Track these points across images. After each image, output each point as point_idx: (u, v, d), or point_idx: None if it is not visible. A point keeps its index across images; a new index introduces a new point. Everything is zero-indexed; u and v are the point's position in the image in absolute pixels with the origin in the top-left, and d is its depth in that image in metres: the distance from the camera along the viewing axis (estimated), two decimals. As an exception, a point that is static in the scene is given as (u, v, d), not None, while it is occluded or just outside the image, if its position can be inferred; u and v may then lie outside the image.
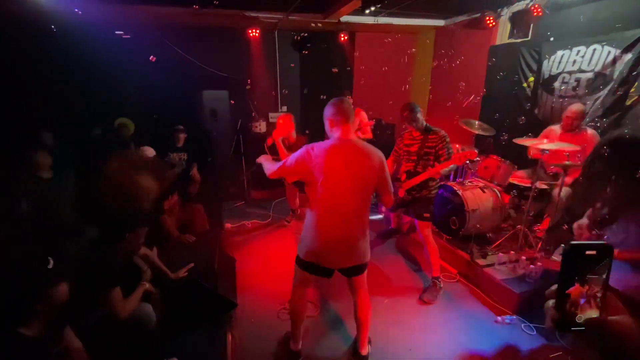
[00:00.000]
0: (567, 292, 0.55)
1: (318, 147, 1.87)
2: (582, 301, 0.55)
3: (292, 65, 5.68)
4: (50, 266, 1.25)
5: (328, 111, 1.92)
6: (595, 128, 3.20)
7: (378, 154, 1.91)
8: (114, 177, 2.03)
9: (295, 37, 5.27)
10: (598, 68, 3.36)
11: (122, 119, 4.26)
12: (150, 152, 4.01)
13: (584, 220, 1.95)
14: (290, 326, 2.24)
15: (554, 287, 0.57)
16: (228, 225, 4.20)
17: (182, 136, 4.30)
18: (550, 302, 0.57)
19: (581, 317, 0.55)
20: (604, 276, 0.55)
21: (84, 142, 3.81)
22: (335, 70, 5.48)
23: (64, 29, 3.86)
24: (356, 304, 2.14)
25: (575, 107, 3.16)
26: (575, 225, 2.00)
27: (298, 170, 1.90)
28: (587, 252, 0.54)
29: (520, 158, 3.54)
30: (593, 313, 0.55)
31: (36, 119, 3.76)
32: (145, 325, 1.90)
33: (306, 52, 5.41)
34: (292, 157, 1.91)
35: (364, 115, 4.41)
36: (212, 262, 2.90)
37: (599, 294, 0.55)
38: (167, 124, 4.29)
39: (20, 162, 2.71)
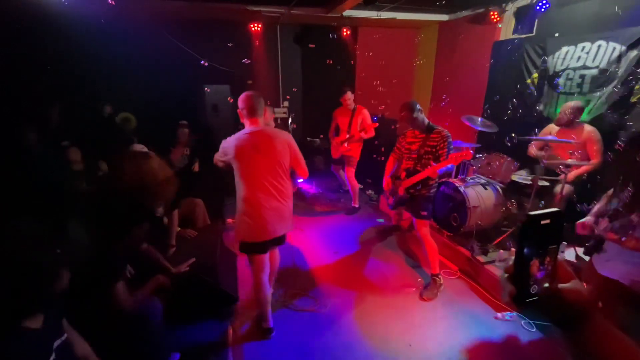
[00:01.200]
0: (525, 265, 0.54)
1: (231, 138, 2.21)
2: (540, 274, 0.54)
3: (312, 45, 5.59)
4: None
5: (239, 104, 2.24)
6: (598, 125, 3.17)
7: (284, 136, 2.29)
8: (134, 172, 2.06)
9: (298, 31, 5.24)
10: (603, 64, 3.33)
11: (125, 113, 4.26)
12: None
13: (589, 219, 1.94)
14: (261, 308, 2.46)
15: (510, 260, 0.56)
16: (229, 221, 4.22)
17: (186, 131, 4.30)
18: (505, 276, 0.57)
19: (535, 287, 0.54)
20: (558, 245, 0.55)
21: (86, 138, 3.81)
22: (330, 61, 5.42)
23: (67, 23, 3.84)
24: (270, 260, 2.48)
25: (573, 102, 3.19)
26: (578, 223, 1.99)
27: (222, 159, 2.26)
28: (543, 222, 0.53)
29: (523, 155, 3.53)
30: (546, 282, 0.55)
31: (40, 115, 3.77)
32: (152, 318, 1.91)
33: (312, 46, 5.36)
34: (220, 148, 2.27)
35: (366, 114, 4.37)
36: (213, 256, 2.91)
37: (550, 262, 0.55)
38: (168, 118, 4.28)
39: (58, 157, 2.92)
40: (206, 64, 4.46)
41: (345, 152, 4.44)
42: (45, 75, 4.02)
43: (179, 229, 3.11)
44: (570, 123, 3.16)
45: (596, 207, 1.98)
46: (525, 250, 0.54)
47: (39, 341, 1.18)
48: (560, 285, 0.55)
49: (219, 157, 2.29)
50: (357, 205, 4.70)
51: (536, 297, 0.55)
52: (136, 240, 2.05)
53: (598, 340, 0.55)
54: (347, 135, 4.36)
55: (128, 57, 4.31)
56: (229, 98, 4.91)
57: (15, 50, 3.84)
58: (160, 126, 4.30)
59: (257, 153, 2.17)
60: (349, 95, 4.31)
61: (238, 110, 2.26)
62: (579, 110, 3.15)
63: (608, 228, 1.75)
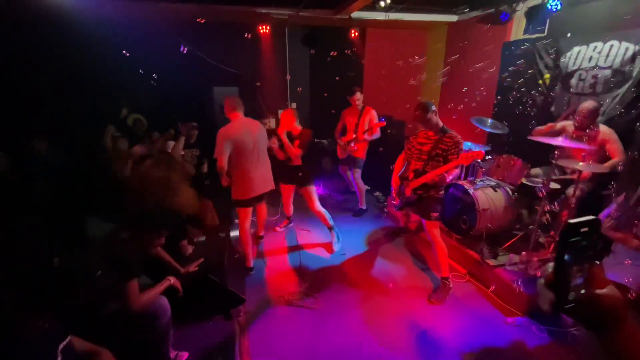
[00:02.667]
0: (565, 272, 0.54)
1: (224, 129, 2.94)
2: (579, 281, 0.54)
3: (312, 51, 5.60)
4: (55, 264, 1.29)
5: (225, 105, 3.06)
6: (614, 126, 3.10)
7: (259, 124, 3.19)
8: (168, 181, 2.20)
9: (305, 33, 5.25)
10: (616, 65, 3.26)
11: (135, 115, 4.33)
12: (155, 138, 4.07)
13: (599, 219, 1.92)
14: (244, 250, 3.22)
15: (549, 267, 0.56)
16: (237, 222, 4.24)
17: (195, 133, 4.35)
18: (543, 283, 0.57)
19: (573, 294, 0.54)
20: (597, 252, 0.55)
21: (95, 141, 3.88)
22: (334, 53, 5.37)
23: (78, 25, 3.91)
24: (257, 212, 3.58)
25: (587, 104, 3.03)
26: None
27: (222, 147, 2.88)
28: (582, 230, 0.53)
29: (534, 157, 3.47)
30: (583, 289, 0.55)
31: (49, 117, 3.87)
32: (160, 318, 1.94)
33: (313, 52, 5.38)
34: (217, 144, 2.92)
35: (373, 114, 4.35)
36: (221, 257, 2.93)
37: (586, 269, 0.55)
38: (179, 120, 4.34)
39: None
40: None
41: (352, 152, 4.44)
42: (56, 77, 4.09)
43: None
44: (588, 126, 3.06)
45: (607, 210, 1.95)
46: (565, 257, 0.53)
47: (43, 342, 1.19)
48: (597, 291, 0.55)
49: (220, 150, 2.88)
50: (364, 207, 4.68)
51: (573, 304, 0.54)
52: (152, 244, 2.08)
53: (631, 344, 0.55)
54: (354, 135, 4.35)
55: (139, 59, 4.37)
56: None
57: (30, 52, 3.94)
58: (170, 127, 4.36)
59: (244, 136, 2.98)
60: (359, 96, 4.32)
61: (224, 109, 3.06)
62: (596, 112, 3.02)
63: (613, 225, 1.73)
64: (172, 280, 2.11)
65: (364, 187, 4.63)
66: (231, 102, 3.06)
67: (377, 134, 4.31)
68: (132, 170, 3.05)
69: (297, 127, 3.50)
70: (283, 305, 2.79)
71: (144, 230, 1.99)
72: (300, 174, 3.54)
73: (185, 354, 2.18)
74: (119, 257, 1.76)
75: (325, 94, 5.56)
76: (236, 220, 4.23)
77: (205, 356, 2.24)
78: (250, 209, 3.25)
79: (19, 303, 1.17)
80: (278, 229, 4.17)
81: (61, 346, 1.25)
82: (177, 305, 2.16)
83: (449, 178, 2.72)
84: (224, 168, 2.91)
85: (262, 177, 3.19)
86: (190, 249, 2.81)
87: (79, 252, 1.86)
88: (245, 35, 5.03)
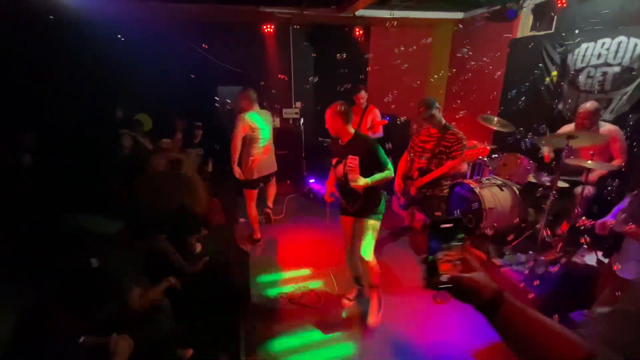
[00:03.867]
0: (432, 258, 0.68)
1: (242, 117, 3.35)
2: (445, 265, 0.67)
3: (314, 55, 5.63)
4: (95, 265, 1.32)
5: (242, 98, 3.42)
6: (621, 125, 3.05)
7: (268, 113, 3.63)
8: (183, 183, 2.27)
9: (309, 31, 5.25)
10: (625, 62, 3.20)
11: (140, 114, 4.36)
12: (167, 143, 4.11)
13: (609, 219, 1.88)
14: (252, 225, 3.71)
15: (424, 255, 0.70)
16: (242, 220, 4.25)
17: (199, 132, 4.38)
18: (422, 265, 0.70)
19: (445, 276, 0.66)
20: (462, 243, 0.70)
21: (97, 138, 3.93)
22: (341, 56, 5.39)
23: (82, 25, 3.95)
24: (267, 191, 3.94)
25: (588, 104, 2.99)
26: (598, 223, 1.93)
27: (241, 133, 3.36)
28: (443, 226, 0.69)
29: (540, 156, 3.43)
30: (453, 272, 0.67)
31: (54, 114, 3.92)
32: (162, 317, 1.95)
33: (314, 55, 5.41)
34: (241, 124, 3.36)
35: (376, 113, 4.34)
36: (227, 255, 2.95)
37: (458, 257, 0.68)
38: (175, 115, 4.38)
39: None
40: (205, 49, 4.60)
41: None
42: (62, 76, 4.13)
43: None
44: (590, 127, 3.02)
45: (617, 208, 1.92)
46: (431, 245, 0.69)
47: (64, 341, 1.21)
48: (459, 274, 0.66)
49: (243, 130, 3.36)
50: None
51: (449, 285, 0.66)
52: (158, 244, 2.10)
53: (513, 321, 0.66)
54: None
55: (144, 58, 4.39)
56: (231, 102, 5.00)
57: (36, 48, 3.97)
58: (174, 126, 4.39)
59: (261, 124, 3.43)
60: (363, 94, 4.34)
61: (241, 103, 3.40)
62: (596, 113, 2.98)
63: (626, 220, 1.71)
64: (172, 280, 2.13)
65: None
66: (249, 94, 3.41)
67: (379, 133, 4.30)
68: (166, 166, 3.04)
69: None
70: (287, 303, 2.80)
71: (151, 229, 2.01)
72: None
73: (190, 351, 2.20)
74: (120, 262, 1.78)
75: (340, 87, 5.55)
76: (241, 219, 4.28)
77: (211, 353, 2.25)
78: (255, 191, 3.63)
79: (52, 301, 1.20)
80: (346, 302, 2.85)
81: (80, 341, 1.27)
82: (182, 302, 2.19)
83: (464, 167, 2.67)
84: (237, 148, 3.32)
85: (267, 161, 3.63)
86: (198, 247, 2.83)
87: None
88: (250, 35, 5.05)
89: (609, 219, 1.90)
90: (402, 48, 4.78)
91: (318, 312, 2.71)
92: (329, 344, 2.40)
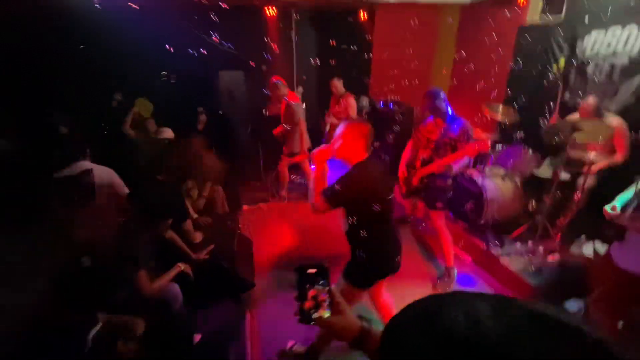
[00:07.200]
0: (302, 297, 0.80)
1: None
2: (309, 301, 0.79)
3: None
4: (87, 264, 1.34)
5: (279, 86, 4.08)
6: (626, 117, 3.03)
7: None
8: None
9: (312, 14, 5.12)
10: (634, 52, 3.15)
11: (141, 99, 4.29)
12: (169, 133, 4.07)
13: (617, 204, 1.90)
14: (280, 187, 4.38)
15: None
16: (245, 207, 4.29)
17: (203, 118, 4.35)
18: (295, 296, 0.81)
19: (316, 315, 0.79)
20: (327, 287, 0.80)
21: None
22: (344, 46, 5.34)
23: (77, 8, 3.83)
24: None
25: (589, 101, 3.01)
26: (606, 208, 1.94)
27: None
28: (309, 271, 0.80)
29: (545, 147, 3.41)
30: (325, 313, 0.79)
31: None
32: (172, 303, 2.01)
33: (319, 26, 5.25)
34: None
35: (351, 102, 4.47)
36: (231, 243, 2.99)
37: (327, 300, 0.79)
38: (185, 105, 4.32)
39: None
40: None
41: (327, 135, 4.66)
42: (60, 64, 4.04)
43: (196, 215, 3.19)
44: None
45: (623, 196, 1.93)
46: (298, 286, 0.81)
47: (74, 334, 1.25)
48: (316, 316, 0.78)
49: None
50: None
51: (313, 320, 0.78)
52: (163, 230, 2.13)
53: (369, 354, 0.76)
54: (329, 119, 4.54)
55: (143, 42, 4.30)
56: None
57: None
58: (177, 111, 4.35)
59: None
60: (336, 82, 4.48)
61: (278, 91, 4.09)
62: (596, 109, 2.98)
63: (635, 217, 1.72)
64: (182, 266, 2.18)
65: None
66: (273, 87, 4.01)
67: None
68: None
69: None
70: (290, 289, 2.85)
71: (153, 216, 2.02)
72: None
73: (198, 336, 2.27)
74: (127, 248, 1.81)
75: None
76: (244, 206, 4.31)
77: (217, 338, 2.33)
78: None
79: (51, 299, 1.23)
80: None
81: (93, 333, 1.31)
82: (189, 289, 2.24)
83: (456, 167, 2.73)
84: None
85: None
86: (199, 237, 2.86)
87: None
88: (251, 19, 4.92)
89: (616, 204, 1.91)
90: (408, 33, 4.69)
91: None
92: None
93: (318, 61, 5.78)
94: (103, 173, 2.66)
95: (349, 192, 1.71)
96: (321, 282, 0.80)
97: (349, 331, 0.77)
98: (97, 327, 1.38)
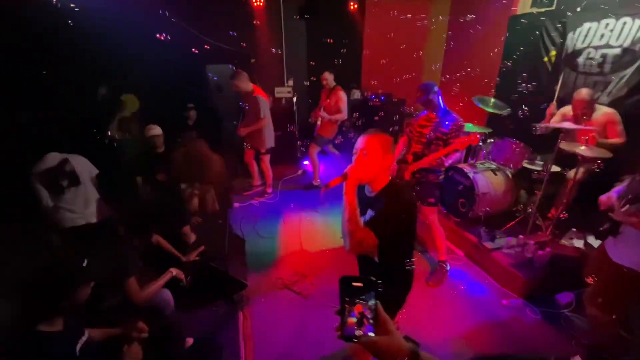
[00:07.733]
0: (344, 311, 0.73)
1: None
2: (352, 317, 0.72)
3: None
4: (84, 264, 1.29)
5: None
6: (618, 108, 3.03)
7: None
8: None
9: (302, 6, 4.98)
10: (627, 43, 3.13)
11: (127, 95, 4.15)
12: (156, 130, 3.95)
13: (612, 195, 1.89)
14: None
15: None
16: (236, 205, 4.23)
17: (193, 114, 4.24)
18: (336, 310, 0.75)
19: (359, 332, 0.71)
20: (373, 303, 0.73)
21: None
22: (330, 41, 5.21)
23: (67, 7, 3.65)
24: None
25: (583, 92, 2.96)
26: (602, 197, 1.93)
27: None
28: (354, 283, 0.74)
29: (536, 140, 3.41)
30: (368, 331, 0.71)
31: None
32: (163, 309, 1.97)
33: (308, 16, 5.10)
34: None
35: (341, 96, 4.34)
36: (222, 243, 2.94)
37: (370, 316, 0.72)
38: (174, 101, 4.20)
39: None
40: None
41: (318, 130, 4.59)
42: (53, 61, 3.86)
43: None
44: (585, 114, 3.00)
45: (618, 188, 1.92)
46: (342, 299, 0.73)
47: (61, 344, 1.21)
48: (367, 336, 0.71)
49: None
50: (315, 183, 4.78)
51: (355, 339, 0.71)
52: (149, 235, 2.08)
53: None
54: (320, 113, 4.43)
55: (127, 36, 4.13)
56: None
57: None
58: (168, 108, 4.21)
59: None
60: (326, 75, 4.40)
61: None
62: (591, 102, 2.96)
63: (630, 210, 1.70)
64: (174, 272, 2.13)
65: (318, 163, 4.75)
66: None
67: (340, 115, 4.29)
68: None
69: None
70: (282, 290, 2.84)
71: (142, 222, 1.97)
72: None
73: (190, 340, 2.24)
74: (116, 256, 1.76)
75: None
76: (235, 204, 4.26)
77: (210, 341, 2.30)
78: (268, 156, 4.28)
79: (33, 307, 1.18)
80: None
81: (80, 343, 1.27)
82: (180, 292, 2.20)
83: (448, 162, 2.71)
84: None
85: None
86: (193, 237, 2.81)
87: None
88: (238, 9, 4.77)
89: (612, 195, 1.90)
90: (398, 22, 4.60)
91: (311, 300, 2.76)
92: (323, 333, 2.47)
93: (307, 53, 5.67)
94: (77, 159, 2.59)
95: (409, 218, 1.48)
96: (367, 296, 0.73)
97: (397, 354, 0.71)
98: (84, 338, 1.33)
